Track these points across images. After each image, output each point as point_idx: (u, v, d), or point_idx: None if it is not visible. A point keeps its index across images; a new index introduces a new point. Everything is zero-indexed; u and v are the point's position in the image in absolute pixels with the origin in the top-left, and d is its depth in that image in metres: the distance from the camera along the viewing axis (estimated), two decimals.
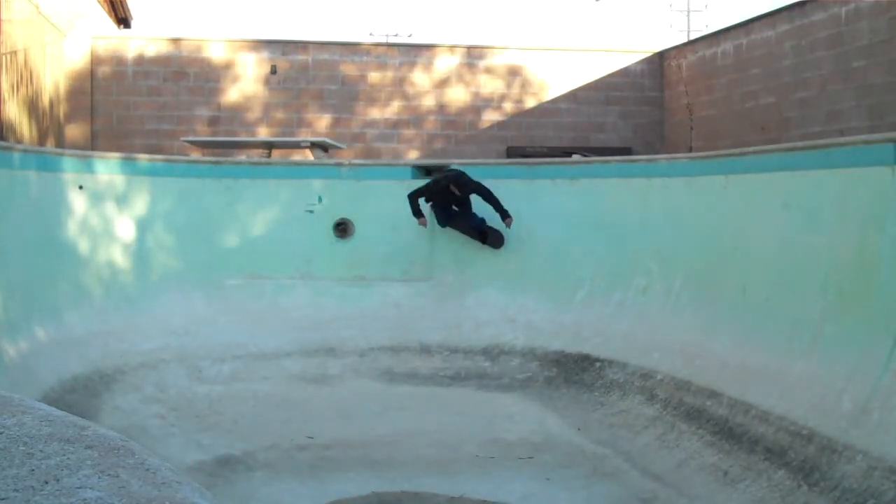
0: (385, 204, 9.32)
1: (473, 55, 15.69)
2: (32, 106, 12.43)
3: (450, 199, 8.83)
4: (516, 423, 7.02)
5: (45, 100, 13.29)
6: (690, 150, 14.24)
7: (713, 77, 14.50)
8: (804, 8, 12.32)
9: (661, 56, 16.14)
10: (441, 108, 15.54)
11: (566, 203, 9.01)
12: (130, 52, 14.72)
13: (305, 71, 15.21)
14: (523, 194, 9.20)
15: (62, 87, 14.22)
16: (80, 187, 8.27)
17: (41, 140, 12.83)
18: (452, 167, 9.04)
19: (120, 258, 8.47)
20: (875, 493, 4.58)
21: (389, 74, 15.45)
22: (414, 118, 15.50)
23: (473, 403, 7.57)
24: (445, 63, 15.57)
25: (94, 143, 14.34)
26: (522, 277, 8.90)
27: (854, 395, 5.26)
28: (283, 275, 9.02)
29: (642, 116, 16.06)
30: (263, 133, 14.88)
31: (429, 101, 15.51)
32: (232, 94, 14.96)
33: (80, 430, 1.77)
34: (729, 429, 5.99)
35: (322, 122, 15.21)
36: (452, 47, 15.74)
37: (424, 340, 8.61)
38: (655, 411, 6.80)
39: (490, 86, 15.66)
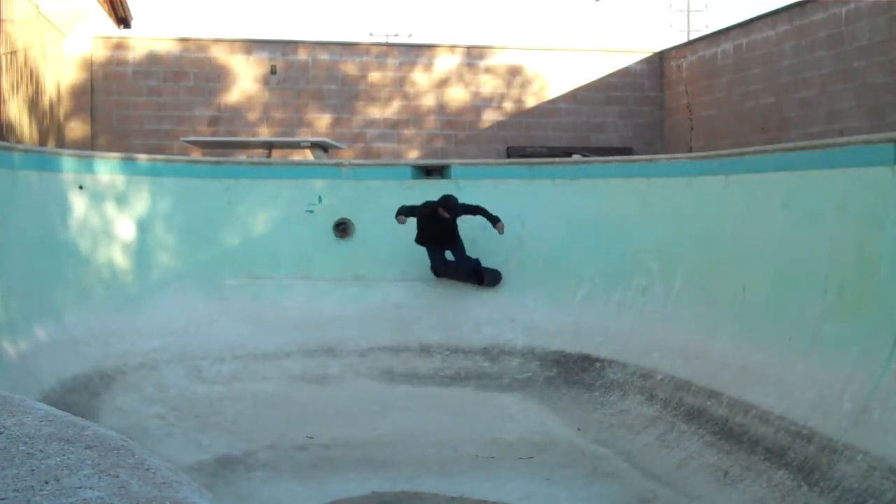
0: (385, 204, 9.31)
1: (473, 55, 15.69)
2: (33, 106, 12.44)
3: (439, 225, 8.68)
4: (516, 423, 7.02)
5: (46, 100, 13.30)
6: (690, 150, 14.24)
7: (713, 77, 14.50)
8: (804, 8, 12.32)
9: (661, 56, 16.14)
10: (441, 107, 15.55)
11: (566, 203, 9.01)
12: (130, 52, 14.72)
13: (305, 71, 15.21)
14: (523, 194, 9.20)
15: (62, 87, 14.23)
16: (81, 187, 8.27)
17: (41, 140, 12.83)
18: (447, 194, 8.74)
19: (120, 258, 8.47)
20: (875, 493, 4.58)
21: (389, 74, 15.45)
22: (414, 118, 15.51)
23: (473, 403, 7.57)
24: (445, 63, 15.57)
25: (94, 143, 14.34)
26: (522, 277, 8.90)
27: (854, 395, 5.26)
28: (283, 275, 9.02)
29: (642, 116, 16.06)
30: (263, 133, 14.88)
31: (429, 101, 15.51)
32: (232, 94, 14.97)
33: (80, 430, 1.77)
34: (729, 429, 5.99)
35: (322, 122, 15.21)
36: (452, 47, 15.75)
37: (424, 340, 8.61)
38: (655, 411, 6.80)
39: (490, 86, 15.67)
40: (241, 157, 12.55)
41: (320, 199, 9.27)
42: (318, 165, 10.17)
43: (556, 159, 11.02)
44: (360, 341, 8.57)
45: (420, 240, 8.81)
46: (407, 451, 6.35)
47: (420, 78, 15.51)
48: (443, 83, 15.54)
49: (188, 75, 14.88)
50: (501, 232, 8.45)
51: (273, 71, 15.04)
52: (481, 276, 8.79)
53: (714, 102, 14.41)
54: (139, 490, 1.48)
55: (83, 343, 7.45)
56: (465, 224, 9.21)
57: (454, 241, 8.76)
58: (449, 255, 8.98)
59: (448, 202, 8.55)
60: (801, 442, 5.34)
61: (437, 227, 8.67)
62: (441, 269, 8.86)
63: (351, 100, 15.34)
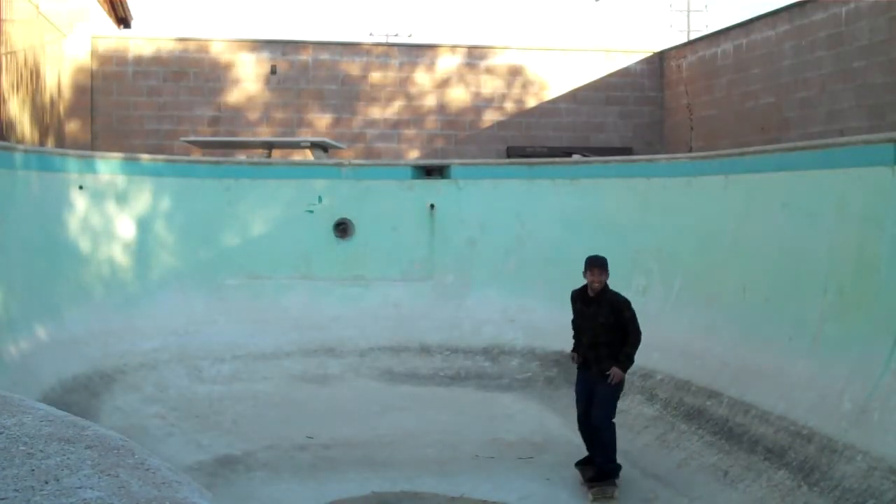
0: (385, 204, 9.32)
1: (474, 55, 15.69)
2: (33, 106, 12.43)
3: (591, 316, 5.91)
4: (516, 423, 7.02)
5: (46, 99, 13.30)
6: (690, 150, 14.23)
7: (713, 77, 14.49)
8: (804, 8, 12.31)
9: (661, 56, 16.13)
10: (442, 107, 15.54)
11: (566, 203, 9.01)
12: (130, 52, 14.71)
13: (306, 71, 15.20)
14: (523, 194, 9.20)
15: (62, 87, 14.23)
16: (81, 187, 8.27)
17: (42, 140, 12.83)
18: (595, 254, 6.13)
19: (120, 258, 8.47)
20: (875, 493, 4.58)
21: (390, 74, 15.45)
22: (414, 118, 15.50)
23: (473, 403, 7.57)
24: (446, 63, 15.57)
25: (94, 142, 14.34)
26: (522, 277, 8.90)
27: (854, 395, 5.26)
28: (283, 275, 9.02)
29: (642, 116, 16.06)
30: (264, 133, 14.88)
31: (429, 101, 15.51)
32: (232, 94, 14.96)
33: (80, 430, 1.77)
34: (729, 429, 5.99)
35: (322, 122, 15.20)
36: (453, 47, 15.74)
37: (424, 340, 8.61)
38: (655, 411, 6.80)
39: (490, 86, 15.66)
40: (241, 157, 12.55)
41: (320, 199, 9.27)
42: (318, 165, 10.17)
43: (556, 159, 11.02)
44: (360, 341, 8.57)
45: (578, 353, 6.09)
46: (407, 451, 6.34)
47: (421, 78, 15.50)
48: (443, 83, 15.54)
49: (188, 75, 14.87)
50: (610, 379, 5.73)
51: (273, 71, 15.03)
52: (599, 472, 5.70)
53: (714, 102, 14.41)
54: (139, 490, 1.47)
55: (83, 343, 7.45)
56: (465, 223, 9.20)
57: (605, 356, 5.79)
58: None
59: (592, 260, 5.99)
60: (801, 442, 5.34)
61: (587, 320, 5.96)
62: (581, 418, 5.92)
63: (351, 100, 15.33)
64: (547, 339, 8.34)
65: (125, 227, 8.57)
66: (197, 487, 1.62)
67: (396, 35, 45.05)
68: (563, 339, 8.34)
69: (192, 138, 12.96)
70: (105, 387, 7.14)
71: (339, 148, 12.89)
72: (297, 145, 12.72)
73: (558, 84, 15.77)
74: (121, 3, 18.01)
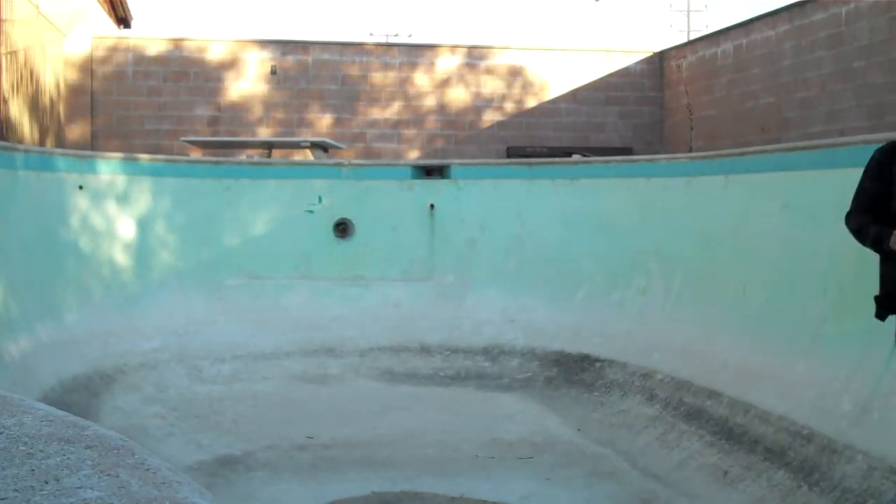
0: (385, 204, 9.32)
1: (474, 55, 15.69)
2: (33, 105, 12.43)
3: None
4: (516, 423, 7.02)
5: (46, 99, 13.30)
6: (690, 150, 14.23)
7: (713, 77, 14.50)
8: (804, 8, 12.32)
9: (661, 56, 16.14)
10: (442, 108, 15.54)
11: (566, 203, 9.01)
12: (130, 52, 14.72)
13: (306, 71, 15.21)
14: (523, 194, 9.20)
15: (62, 87, 14.23)
16: (81, 187, 8.27)
17: (41, 139, 12.83)
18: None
19: (120, 258, 8.48)
20: (875, 493, 4.57)
21: (390, 74, 15.45)
22: (414, 118, 15.50)
23: (473, 403, 7.57)
24: (446, 63, 15.57)
25: (94, 142, 14.34)
26: (522, 277, 8.90)
27: (854, 395, 5.26)
28: (283, 275, 9.02)
29: (642, 116, 16.06)
30: (264, 133, 14.88)
31: (429, 102, 15.51)
32: (232, 94, 14.96)
33: (80, 430, 1.77)
34: (729, 429, 5.99)
35: (322, 122, 15.21)
36: (454, 47, 15.75)
37: (424, 340, 8.61)
38: (655, 411, 6.79)
39: (490, 86, 15.67)
40: (242, 157, 12.55)
41: (320, 199, 9.27)
42: (318, 165, 10.17)
43: (556, 159, 11.02)
44: (360, 341, 8.56)
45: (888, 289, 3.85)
46: (407, 451, 6.34)
47: (421, 78, 15.51)
48: (444, 83, 15.54)
49: (188, 75, 14.87)
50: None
51: (273, 71, 15.04)
52: None
53: (714, 102, 14.41)
54: (139, 490, 1.47)
55: (83, 343, 7.45)
56: (465, 223, 9.19)
57: None
58: None
59: None
60: (801, 442, 5.33)
61: None
62: None
63: (351, 100, 15.34)
64: (547, 339, 8.34)
65: (125, 227, 8.57)
66: (197, 487, 1.62)
67: (396, 35, 45.06)
68: (563, 339, 8.36)
69: (192, 138, 12.97)
70: (105, 387, 7.14)
71: (339, 148, 12.89)
72: (297, 145, 12.73)
73: (558, 84, 15.78)
74: (121, 3, 18.02)
